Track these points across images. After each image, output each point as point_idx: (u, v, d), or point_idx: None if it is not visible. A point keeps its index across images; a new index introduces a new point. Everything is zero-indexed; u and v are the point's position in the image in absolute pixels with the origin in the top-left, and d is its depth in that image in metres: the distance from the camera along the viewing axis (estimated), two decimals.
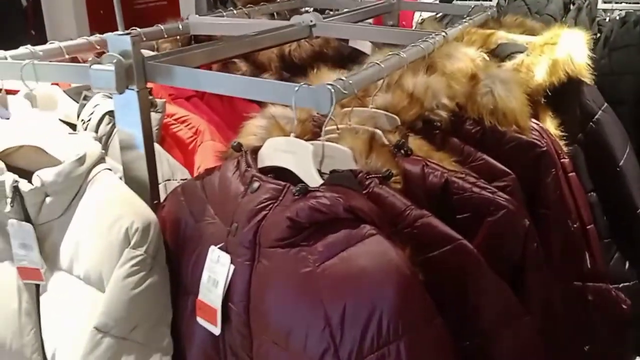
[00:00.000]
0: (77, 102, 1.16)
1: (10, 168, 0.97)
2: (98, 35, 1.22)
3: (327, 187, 0.73)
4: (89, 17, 3.44)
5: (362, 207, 0.70)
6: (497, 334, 0.76)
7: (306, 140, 0.83)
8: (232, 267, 0.78)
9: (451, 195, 0.82)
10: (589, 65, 1.34)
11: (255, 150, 0.85)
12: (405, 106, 1.00)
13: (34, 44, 1.10)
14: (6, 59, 1.02)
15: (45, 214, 0.95)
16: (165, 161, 1.16)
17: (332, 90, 0.79)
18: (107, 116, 1.11)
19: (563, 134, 1.33)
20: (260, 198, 0.77)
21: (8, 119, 1.03)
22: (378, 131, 0.86)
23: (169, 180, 1.14)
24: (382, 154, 0.81)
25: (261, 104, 1.48)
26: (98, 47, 1.21)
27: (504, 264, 0.80)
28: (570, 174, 1.26)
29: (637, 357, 1.45)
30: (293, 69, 1.53)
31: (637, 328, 1.42)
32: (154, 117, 1.17)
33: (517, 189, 0.99)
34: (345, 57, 1.71)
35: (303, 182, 0.75)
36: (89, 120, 1.12)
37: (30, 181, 0.93)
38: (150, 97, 1.09)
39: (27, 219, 0.95)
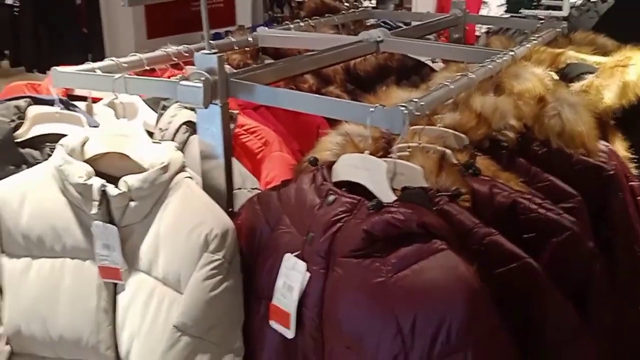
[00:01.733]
0: (156, 112, 1.31)
1: (97, 173, 1.12)
2: (174, 47, 1.37)
3: (401, 204, 0.84)
4: (146, 19, 3.65)
5: (434, 224, 0.81)
6: (560, 352, 0.85)
7: (378, 157, 0.95)
8: (308, 274, 0.90)
9: (518, 215, 0.92)
10: None
11: (330, 165, 0.97)
12: (473, 126, 1.11)
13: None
14: (95, 71, 1.17)
15: (128, 217, 1.09)
16: (237, 170, 1.29)
17: (406, 112, 0.90)
18: (184, 126, 1.26)
19: (633, 156, 1.40)
20: (336, 210, 0.89)
21: (96, 126, 1.18)
22: (448, 151, 0.97)
23: (239, 188, 1.27)
24: (451, 173, 0.92)
25: (327, 117, 1.61)
26: (175, 59, 1.36)
27: (568, 286, 0.89)
28: None
29: None
30: (357, 81, 1.65)
31: None
32: None
33: (583, 210, 1.08)
34: (409, 69, 1.82)
35: (376, 197, 0.87)
36: (167, 129, 1.27)
37: (116, 186, 1.08)
38: (230, 111, 1.23)
39: (111, 221, 1.10)
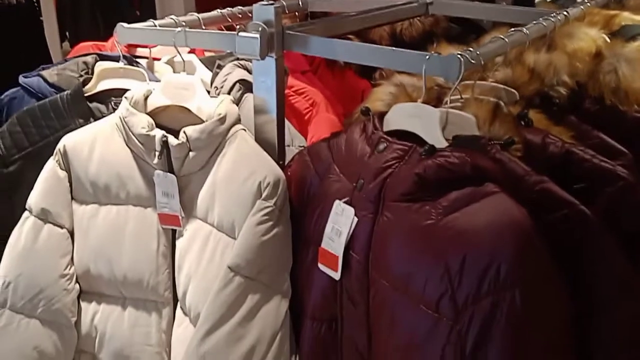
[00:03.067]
0: (211, 71, 1.31)
1: (158, 125, 1.13)
2: (230, 8, 1.37)
3: (454, 148, 0.81)
4: (196, 2, 3.68)
5: (488, 167, 0.78)
6: (612, 304, 0.81)
7: None
8: (356, 219, 0.89)
9: (571, 165, 0.87)
10: None
11: (381, 115, 0.94)
12: (525, 81, 1.06)
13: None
14: (155, 26, 1.17)
15: (187, 167, 1.10)
16: (286, 128, 1.28)
17: (462, 59, 0.87)
18: (237, 84, 1.25)
19: None
20: (387, 157, 0.86)
21: (157, 81, 1.19)
22: (501, 102, 0.93)
23: (288, 146, 1.27)
24: (504, 123, 0.88)
25: (371, 81, 1.58)
26: (229, 20, 1.35)
27: (621, 239, 0.85)
28: None
29: None
30: (402, 47, 1.61)
31: None
32: None
33: (634, 168, 1.02)
34: (453, 38, 1.76)
35: (428, 144, 0.84)
36: (222, 87, 1.27)
37: (176, 137, 1.09)
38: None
39: (171, 170, 1.11)
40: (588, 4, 1.51)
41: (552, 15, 1.28)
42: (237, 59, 1.28)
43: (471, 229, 0.75)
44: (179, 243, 1.15)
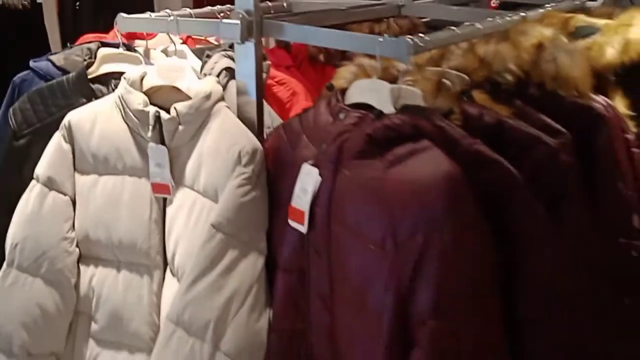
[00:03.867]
0: (201, 60, 1.48)
1: (152, 103, 1.30)
2: (219, 6, 1.55)
3: (399, 113, 0.98)
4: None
5: (425, 127, 0.95)
6: (530, 252, 0.97)
7: None
8: (320, 178, 1.05)
9: (502, 132, 1.04)
10: None
11: (343, 91, 1.12)
12: (475, 68, 1.23)
13: None
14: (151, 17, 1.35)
15: (177, 140, 1.27)
16: (267, 112, 1.45)
17: (411, 42, 1.04)
18: (224, 71, 1.42)
19: (633, 114, 1.48)
20: (346, 123, 1.04)
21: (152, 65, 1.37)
22: (445, 80, 1.10)
23: (268, 128, 1.43)
24: (447, 97, 1.06)
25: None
26: (218, 16, 1.53)
27: (544, 199, 1.01)
28: (634, 150, 1.43)
29: None
30: None
31: None
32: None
33: (571, 147, 1.19)
34: None
35: (378, 110, 1.01)
36: (210, 73, 1.44)
37: (168, 113, 1.26)
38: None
39: (163, 143, 1.28)
40: (549, 8, 1.69)
41: (509, 15, 1.46)
42: (224, 50, 1.46)
43: (410, 178, 0.92)
44: (169, 210, 1.31)
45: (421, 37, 1.08)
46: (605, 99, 1.40)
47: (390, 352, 0.91)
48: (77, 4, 4.83)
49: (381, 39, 1.05)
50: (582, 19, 1.62)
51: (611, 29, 1.49)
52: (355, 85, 1.10)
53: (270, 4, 1.70)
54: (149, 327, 1.32)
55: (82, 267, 1.37)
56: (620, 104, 1.48)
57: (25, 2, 3.17)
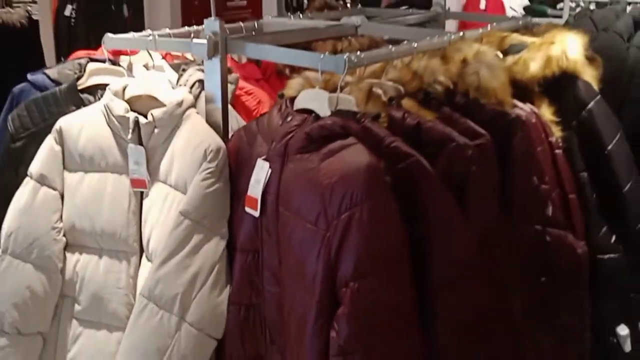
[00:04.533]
0: (178, 73, 1.72)
1: (132, 110, 1.52)
2: (196, 26, 1.79)
3: (331, 116, 1.21)
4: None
5: (352, 127, 1.18)
6: (439, 235, 1.19)
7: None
8: (270, 170, 1.28)
9: (421, 132, 1.27)
10: (584, 63, 1.74)
11: (292, 99, 1.35)
12: (408, 80, 1.46)
13: None
14: (133, 36, 1.59)
15: (153, 141, 1.49)
16: (235, 119, 1.69)
17: (347, 59, 1.27)
18: (197, 83, 1.65)
19: (558, 120, 1.72)
20: (291, 124, 1.27)
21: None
22: (376, 90, 1.33)
23: None
24: (376, 104, 1.29)
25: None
26: (192, 36, 1.76)
27: (453, 186, 1.23)
28: (557, 151, 1.66)
29: (622, 324, 1.77)
30: None
31: (621, 297, 1.76)
32: (229, 87, 1.70)
33: (491, 146, 1.41)
34: None
35: (316, 113, 1.24)
36: (184, 85, 1.67)
37: (146, 118, 1.48)
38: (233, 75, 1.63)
39: (141, 144, 1.50)
40: (489, 27, 1.93)
41: (447, 35, 1.70)
42: (198, 64, 1.69)
43: (337, 168, 1.15)
44: (145, 202, 1.53)
45: (357, 54, 1.31)
46: (531, 106, 1.65)
47: (320, 309, 1.13)
48: (72, 22, 5.10)
49: (322, 56, 1.28)
50: (515, 38, 1.87)
51: (536, 46, 1.73)
52: (302, 93, 1.33)
53: (242, 24, 1.94)
54: (125, 307, 1.53)
55: (68, 255, 1.58)
56: (546, 112, 1.72)
57: (23, 21, 3.42)
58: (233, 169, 1.44)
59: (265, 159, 1.30)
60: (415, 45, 1.52)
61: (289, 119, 1.29)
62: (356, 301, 1.09)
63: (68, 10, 5.11)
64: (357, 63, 1.30)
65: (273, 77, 1.99)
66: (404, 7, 2.54)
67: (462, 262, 1.19)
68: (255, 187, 1.31)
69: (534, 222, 1.47)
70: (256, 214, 1.31)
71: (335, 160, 1.16)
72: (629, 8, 3.59)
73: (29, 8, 3.88)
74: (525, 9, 6.30)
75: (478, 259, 1.20)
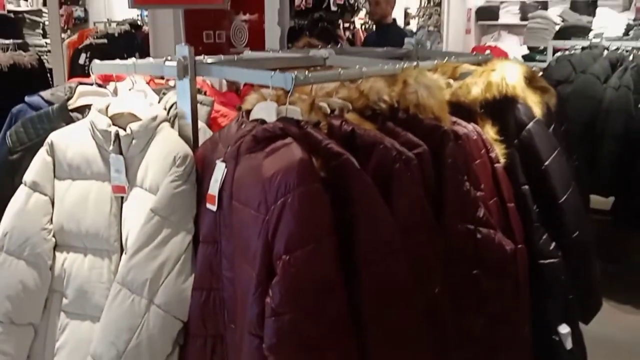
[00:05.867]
0: (159, 96, 2.01)
1: (115, 125, 1.80)
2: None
3: (275, 122, 1.47)
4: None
5: (291, 129, 1.44)
6: (365, 219, 1.43)
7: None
8: (226, 170, 1.53)
9: (355, 138, 1.52)
10: (527, 87, 2.00)
11: (248, 111, 1.62)
12: (356, 98, 1.73)
13: None
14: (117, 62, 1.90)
15: (131, 150, 1.77)
16: (204, 133, 1.95)
17: (294, 77, 1.54)
18: (175, 104, 1.94)
19: (501, 138, 1.97)
20: (244, 130, 1.53)
21: None
22: (321, 103, 1.60)
23: None
24: (318, 113, 1.56)
25: None
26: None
27: (379, 184, 1.48)
28: (497, 165, 1.91)
29: (563, 323, 1.97)
30: None
31: (561, 298, 1.97)
32: (205, 109, 1.99)
33: (428, 155, 1.66)
34: None
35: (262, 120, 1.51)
36: (165, 107, 1.96)
37: (125, 130, 1.76)
38: (208, 98, 1.91)
39: (121, 153, 1.77)
40: (446, 59, 2.20)
41: (400, 63, 1.97)
42: None
43: (276, 162, 1.40)
44: (125, 206, 1.80)
45: (304, 73, 1.58)
46: (474, 125, 1.90)
47: (259, 281, 1.36)
48: (86, 69, 5.50)
49: (272, 74, 1.55)
50: (465, 67, 2.14)
51: (478, 73, 2.01)
52: (256, 106, 1.60)
53: (222, 57, 2.24)
54: (106, 299, 1.76)
55: (56, 254, 1.84)
56: (490, 131, 1.98)
57: (34, 63, 3.81)
58: (200, 173, 1.70)
59: (223, 161, 1.56)
60: (364, 69, 1.79)
61: (243, 126, 1.56)
62: (287, 271, 1.32)
63: (82, 58, 5.54)
64: (304, 80, 1.57)
65: None
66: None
67: (383, 242, 1.43)
68: (214, 185, 1.56)
69: (465, 221, 1.70)
70: (214, 208, 1.56)
71: (275, 156, 1.41)
72: (605, 52, 3.89)
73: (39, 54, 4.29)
74: (523, 57, 6.68)
75: (399, 240, 1.42)
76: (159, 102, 1.99)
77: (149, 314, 1.62)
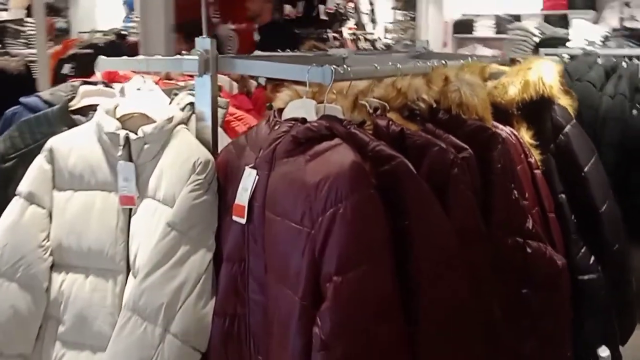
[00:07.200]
0: (170, 98, 1.75)
1: (124, 128, 1.54)
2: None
3: (319, 120, 1.23)
4: None
5: (338, 128, 1.20)
6: (421, 228, 1.20)
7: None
8: (257, 177, 1.28)
9: (404, 139, 1.29)
10: (560, 88, 1.80)
11: (280, 110, 1.37)
12: (393, 97, 1.50)
13: None
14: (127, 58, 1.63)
15: (143, 157, 1.51)
16: (226, 141, 1.70)
17: (333, 70, 1.31)
18: (188, 105, 1.68)
19: (537, 143, 1.76)
20: (279, 131, 1.29)
21: None
22: (361, 100, 1.36)
23: None
24: (361, 112, 1.32)
25: None
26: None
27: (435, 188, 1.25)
28: (536, 171, 1.69)
29: (603, 345, 1.76)
30: None
31: (600, 317, 1.76)
32: (220, 111, 1.73)
33: (473, 160, 1.44)
34: None
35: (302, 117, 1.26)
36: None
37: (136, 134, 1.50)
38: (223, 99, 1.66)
39: (130, 160, 1.51)
40: (469, 59, 1.99)
41: (430, 62, 1.75)
42: (189, 89, 1.73)
43: (323, 167, 1.16)
44: (133, 219, 1.53)
45: (344, 67, 1.35)
46: (510, 128, 1.68)
47: (304, 306, 1.12)
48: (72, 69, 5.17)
49: (309, 68, 1.32)
50: (495, 67, 1.93)
51: (514, 72, 1.80)
52: (290, 105, 1.36)
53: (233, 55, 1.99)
54: (110, 326, 1.49)
55: (54, 275, 1.56)
56: (525, 135, 1.77)
57: (21, 68, 3.50)
58: (222, 182, 1.45)
59: (253, 167, 1.31)
60: (400, 66, 1.57)
61: (276, 127, 1.31)
62: (339, 295, 1.08)
63: (66, 69, 5.25)
64: (344, 75, 1.34)
65: (263, 108, 2.04)
66: None
67: (442, 253, 1.20)
68: (243, 194, 1.31)
69: (514, 233, 1.48)
70: (243, 221, 1.31)
71: (321, 160, 1.18)
72: (600, 60, 3.74)
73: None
74: None
75: (458, 252, 1.19)
76: (169, 104, 1.73)
77: (163, 344, 1.35)
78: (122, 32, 6.01)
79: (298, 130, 1.22)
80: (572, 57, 4.17)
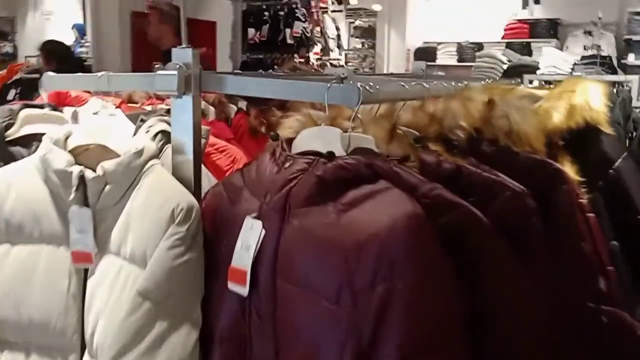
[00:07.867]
0: (135, 125, 1.38)
1: (78, 164, 1.17)
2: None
3: (355, 156, 0.89)
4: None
5: (381, 166, 0.86)
6: (497, 298, 0.87)
7: None
8: (264, 231, 0.93)
9: (462, 179, 0.97)
10: (607, 115, 1.51)
11: (289, 140, 1.03)
12: (425, 124, 1.18)
13: None
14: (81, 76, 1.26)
15: (103, 201, 1.13)
16: (206, 177, 1.34)
17: (360, 89, 0.98)
18: (159, 134, 1.32)
19: (582, 179, 1.46)
20: (293, 170, 0.94)
21: None
22: (398, 125, 1.04)
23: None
24: (401, 143, 0.99)
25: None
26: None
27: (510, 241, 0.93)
28: (589, 214, 1.38)
29: None
30: None
31: None
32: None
33: (534, 205, 1.12)
34: None
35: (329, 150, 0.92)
36: None
37: (94, 171, 1.13)
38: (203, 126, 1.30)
39: (87, 205, 1.14)
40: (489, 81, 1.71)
41: (452, 82, 1.45)
42: (161, 115, 1.37)
43: (367, 223, 0.82)
44: (90, 282, 1.15)
45: (371, 85, 1.02)
46: (557, 164, 1.38)
47: None
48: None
49: (329, 85, 0.98)
50: (523, 89, 1.64)
51: (554, 95, 1.50)
52: (303, 134, 1.02)
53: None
54: None
55: None
56: (569, 170, 1.46)
57: None
58: (209, 234, 1.08)
59: (257, 217, 0.95)
60: (427, 85, 1.25)
61: (287, 164, 0.96)
62: None
63: (11, 94, 4.89)
64: (373, 95, 1.01)
65: (246, 136, 1.69)
66: None
67: (529, 329, 0.87)
68: (243, 255, 0.96)
69: (586, 298, 1.16)
70: (244, 291, 0.95)
71: (363, 211, 0.83)
72: None
73: None
74: None
75: (549, 328, 0.87)
76: (135, 132, 1.36)
77: None
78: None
79: (325, 169, 0.88)
80: (550, 83, 4.02)
